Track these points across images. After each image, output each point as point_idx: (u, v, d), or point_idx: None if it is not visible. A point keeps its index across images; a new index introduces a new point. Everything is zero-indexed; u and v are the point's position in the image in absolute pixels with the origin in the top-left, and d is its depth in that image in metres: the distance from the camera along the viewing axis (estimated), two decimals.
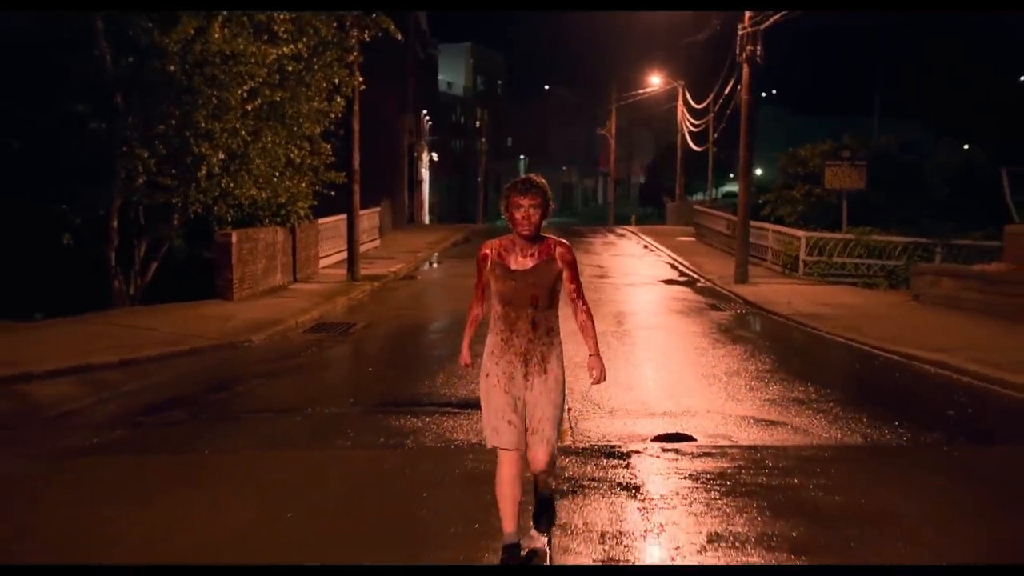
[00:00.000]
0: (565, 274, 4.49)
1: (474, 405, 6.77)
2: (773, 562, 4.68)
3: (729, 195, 52.64)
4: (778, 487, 5.92)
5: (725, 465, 6.40)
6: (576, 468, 6.27)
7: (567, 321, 4.51)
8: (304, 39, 15.30)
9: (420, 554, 4.77)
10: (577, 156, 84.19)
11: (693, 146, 41.72)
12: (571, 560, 4.71)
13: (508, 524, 4.48)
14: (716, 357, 10.94)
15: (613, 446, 6.90)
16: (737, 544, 4.92)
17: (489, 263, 4.48)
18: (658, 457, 6.62)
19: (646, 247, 30.32)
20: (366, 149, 20.06)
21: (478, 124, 66.94)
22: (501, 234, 4.58)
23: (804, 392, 8.92)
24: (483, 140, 62.70)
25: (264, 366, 10.41)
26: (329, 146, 17.69)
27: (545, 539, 4.69)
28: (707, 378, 9.67)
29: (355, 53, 17.31)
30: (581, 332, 4.61)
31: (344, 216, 20.24)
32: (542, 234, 4.46)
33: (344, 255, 20.40)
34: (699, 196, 52.20)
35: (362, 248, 21.27)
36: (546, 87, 79.84)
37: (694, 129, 41.42)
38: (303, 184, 17.12)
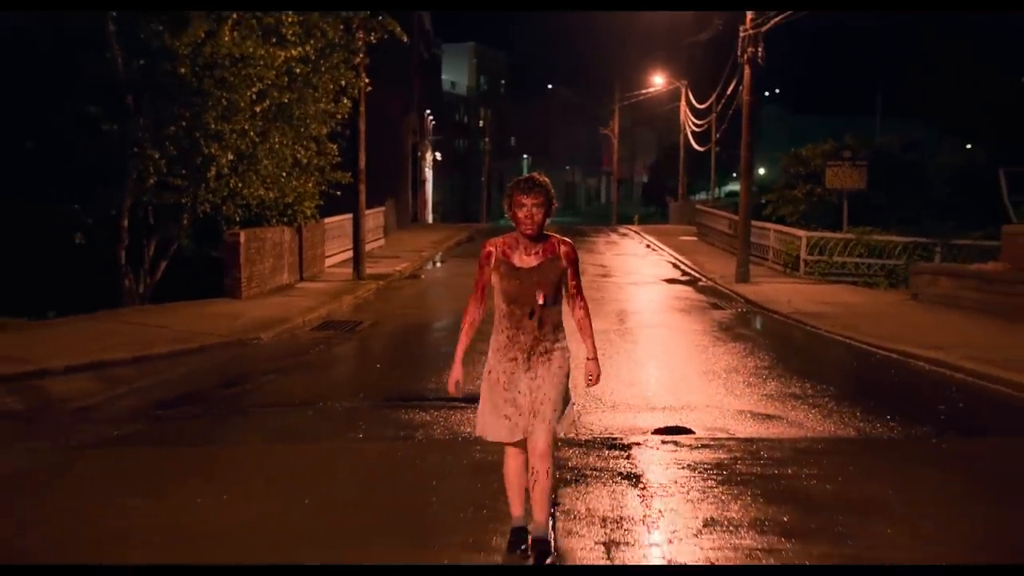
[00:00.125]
0: (568, 271, 4.55)
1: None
2: (765, 544, 4.90)
3: (732, 195, 52.66)
4: (772, 476, 6.14)
5: (722, 456, 6.62)
6: (579, 459, 6.49)
7: (567, 320, 4.62)
8: (312, 41, 15.55)
9: (431, 540, 4.93)
10: (580, 156, 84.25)
11: (696, 146, 41.83)
12: (574, 542, 4.92)
13: (516, 508, 4.66)
14: (716, 354, 11.16)
15: (615, 438, 7.12)
16: (731, 528, 5.14)
17: (493, 260, 4.50)
18: (658, 449, 6.84)
19: (648, 246, 30.53)
20: (371, 149, 20.30)
21: (481, 124, 67.12)
22: (505, 233, 4.68)
23: (801, 388, 9.13)
24: (486, 140, 62.86)
25: (273, 363, 10.62)
26: (335, 146, 17.94)
27: (549, 524, 4.87)
28: (707, 374, 9.89)
29: (361, 55, 17.56)
30: (579, 330, 4.67)
31: (349, 216, 20.50)
32: (545, 232, 4.52)
33: (349, 254, 20.65)
34: (702, 196, 52.37)
35: (367, 247, 21.54)
36: (549, 87, 79.81)
37: (697, 129, 41.54)
38: (310, 184, 17.37)
